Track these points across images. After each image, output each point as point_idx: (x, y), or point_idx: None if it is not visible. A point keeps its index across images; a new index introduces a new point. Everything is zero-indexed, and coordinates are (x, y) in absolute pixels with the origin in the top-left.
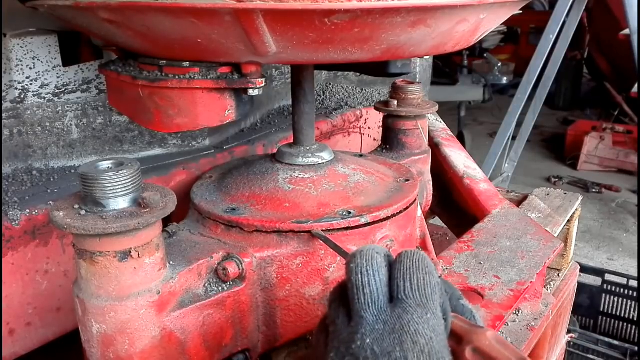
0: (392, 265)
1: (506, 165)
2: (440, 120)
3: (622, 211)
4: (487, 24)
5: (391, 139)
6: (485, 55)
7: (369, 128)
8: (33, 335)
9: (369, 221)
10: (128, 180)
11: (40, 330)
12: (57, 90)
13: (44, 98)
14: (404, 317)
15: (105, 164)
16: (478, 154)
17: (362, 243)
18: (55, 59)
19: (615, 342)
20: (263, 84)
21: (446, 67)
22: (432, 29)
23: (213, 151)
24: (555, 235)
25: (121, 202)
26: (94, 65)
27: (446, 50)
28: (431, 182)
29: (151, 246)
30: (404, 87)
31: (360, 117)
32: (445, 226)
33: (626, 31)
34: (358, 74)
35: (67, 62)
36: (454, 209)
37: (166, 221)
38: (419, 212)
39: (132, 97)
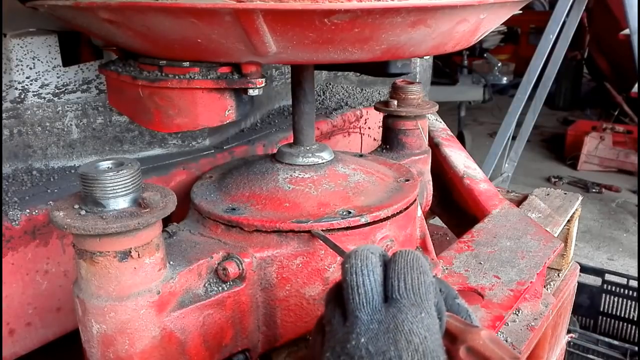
0: (387, 265)
1: (506, 165)
2: (440, 120)
3: (622, 211)
4: (487, 24)
5: (391, 139)
6: (485, 55)
7: (369, 128)
8: (33, 335)
9: (369, 221)
10: (128, 180)
11: (40, 330)
12: (57, 90)
13: (44, 98)
14: (398, 316)
15: (105, 164)
16: (478, 154)
17: (362, 243)
18: (55, 59)
19: (615, 342)
20: (263, 84)
21: (446, 67)
22: (432, 29)
23: (213, 151)
24: (555, 235)
25: (121, 202)
26: (94, 65)
27: (446, 50)
28: (431, 182)
29: (151, 246)
30: (404, 87)
31: (360, 117)
32: (445, 226)
33: (626, 31)
34: (358, 74)
35: (67, 62)
36: (454, 209)
37: (166, 221)
38: (419, 212)
39: (132, 97)
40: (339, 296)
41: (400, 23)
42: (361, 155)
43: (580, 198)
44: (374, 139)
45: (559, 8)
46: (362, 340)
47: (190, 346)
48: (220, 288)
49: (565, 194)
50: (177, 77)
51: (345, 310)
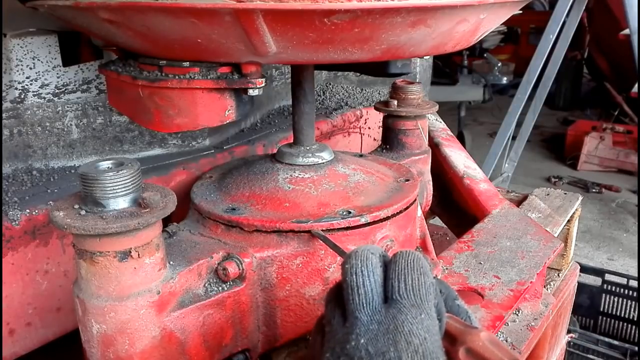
0: (387, 266)
1: (506, 165)
2: (440, 120)
3: (622, 211)
4: (487, 24)
5: (391, 139)
6: (485, 55)
7: (369, 128)
8: (33, 335)
9: (369, 221)
10: (128, 180)
11: (40, 330)
12: (57, 90)
13: (44, 98)
14: (398, 317)
15: (105, 164)
16: (478, 154)
17: (362, 243)
18: (55, 59)
19: (615, 342)
20: (263, 84)
21: (446, 67)
22: (432, 29)
23: (213, 151)
24: (555, 235)
25: (121, 202)
26: (94, 65)
27: (446, 50)
28: (431, 182)
29: (151, 246)
30: (404, 87)
31: (360, 117)
32: (445, 226)
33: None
34: (358, 74)
35: (67, 62)
36: (454, 209)
37: (166, 221)
38: (419, 212)
39: (132, 97)
40: (339, 297)
41: (400, 23)
42: (361, 155)
43: (580, 198)
44: (374, 139)
45: (559, 8)
46: (362, 340)
47: (190, 346)
48: (220, 288)
49: (565, 194)
50: (177, 77)
51: (345, 311)
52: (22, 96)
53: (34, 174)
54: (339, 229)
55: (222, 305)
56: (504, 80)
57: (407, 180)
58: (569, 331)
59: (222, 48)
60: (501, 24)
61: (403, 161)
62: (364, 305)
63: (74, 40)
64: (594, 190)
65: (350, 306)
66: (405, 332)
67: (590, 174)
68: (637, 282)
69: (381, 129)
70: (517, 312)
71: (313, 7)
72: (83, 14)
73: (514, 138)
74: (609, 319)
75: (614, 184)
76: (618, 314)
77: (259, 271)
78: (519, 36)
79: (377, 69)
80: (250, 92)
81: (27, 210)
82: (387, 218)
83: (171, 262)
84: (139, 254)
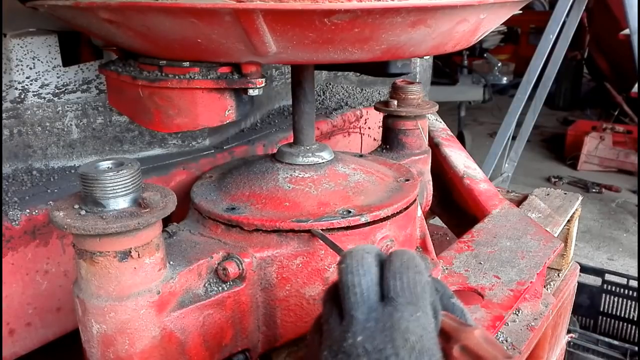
0: (383, 265)
1: (506, 165)
2: (440, 120)
3: (622, 211)
4: (487, 24)
5: (391, 139)
6: (485, 55)
7: (369, 128)
8: (33, 335)
9: (368, 220)
10: (128, 180)
11: (40, 330)
12: (57, 90)
13: (44, 98)
14: (395, 315)
15: (105, 164)
16: (478, 154)
17: (362, 243)
18: (55, 59)
19: (615, 342)
20: (263, 84)
21: (446, 67)
22: (432, 29)
23: (213, 151)
24: (555, 235)
25: (121, 202)
26: (94, 65)
27: (446, 50)
28: (431, 182)
29: (151, 246)
30: (404, 87)
31: (360, 117)
32: (445, 226)
33: (626, 31)
34: (358, 74)
35: (67, 62)
36: (454, 209)
37: (166, 221)
38: (419, 212)
39: (132, 97)
40: (336, 296)
41: (400, 23)
42: (361, 155)
43: (580, 198)
44: (374, 139)
45: (559, 8)
46: (359, 338)
47: (190, 346)
48: (220, 288)
49: (565, 194)
50: (177, 77)
51: (342, 310)
52: (22, 96)
53: (34, 174)
54: (339, 229)
55: (222, 305)
56: (504, 80)
57: (407, 180)
58: (569, 331)
59: (222, 48)
60: (501, 24)
61: (403, 161)
62: (360, 303)
63: (74, 40)
64: (594, 190)
65: (346, 305)
66: (402, 329)
67: (590, 174)
68: (637, 282)
69: (381, 129)
70: (517, 312)
71: (313, 7)
72: (83, 14)
73: (514, 138)
74: (609, 319)
75: (614, 184)
76: (618, 314)
77: (259, 271)
78: (519, 36)
79: (377, 69)
80: (250, 92)
81: (27, 210)
82: (387, 218)
83: (171, 262)
84: (139, 254)
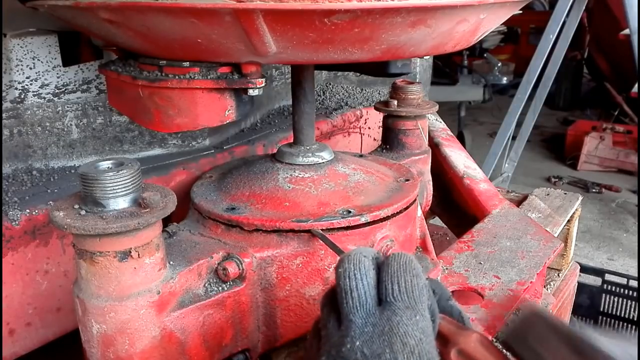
0: (380, 268)
1: (506, 165)
2: (440, 120)
3: (622, 211)
4: (487, 24)
5: (391, 139)
6: (485, 55)
7: (369, 128)
8: (33, 335)
9: (368, 220)
10: (128, 180)
11: (40, 330)
12: (57, 90)
13: (44, 98)
14: (393, 319)
15: (105, 164)
16: (478, 154)
17: (362, 243)
18: (55, 59)
19: None
20: (263, 84)
21: (446, 67)
22: (432, 29)
23: (213, 151)
24: (555, 235)
25: (121, 202)
26: (94, 65)
27: (446, 50)
28: (431, 182)
29: (151, 246)
30: (404, 87)
31: (360, 117)
32: (445, 226)
33: (626, 31)
34: (358, 74)
35: (67, 62)
36: (454, 209)
37: (166, 221)
38: (419, 212)
39: (132, 97)
40: (334, 301)
41: (400, 23)
42: (361, 155)
43: (580, 198)
44: (374, 139)
45: (559, 8)
46: (357, 343)
47: (190, 346)
48: (220, 288)
49: (565, 194)
50: (177, 77)
51: (340, 315)
52: (22, 96)
53: (34, 174)
54: (339, 229)
55: (222, 305)
56: (504, 80)
57: (407, 180)
58: None
59: (222, 48)
60: (501, 24)
61: (403, 161)
62: (358, 308)
63: (74, 40)
64: (594, 190)
65: (344, 310)
66: (401, 333)
67: (590, 174)
68: (637, 282)
69: (381, 129)
70: (517, 312)
71: (313, 7)
72: (83, 14)
73: (514, 138)
74: (609, 319)
75: (614, 184)
76: (618, 314)
77: (259, 271)
78: (519, 36)
79: (377, 69)
80: (250, 92)
81: (27, 210)
82: (387, 218)
83: (171, 262)
84: (139, 254)
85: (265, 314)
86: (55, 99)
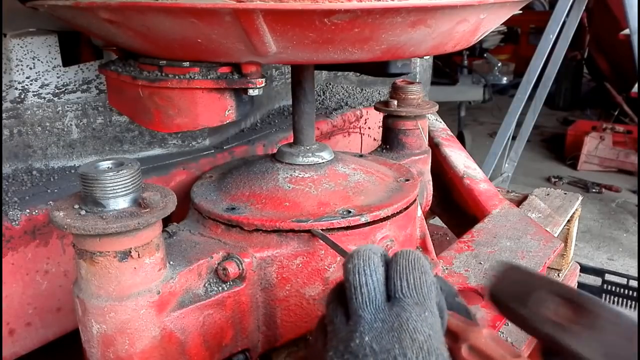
0: (389, 265)
1: (506, 165)
2: (440, 120)
3: (622, 211)
4: (487, 24)
5: (391, 139)
6: (485, 55)
7: (369, 128)
8: (33, 335)
9: (369, 220)
10: (128, 180)
11: (40, 330)
12: (57, 90)
13: (44, 98)
14: (402, 315)
15: (105, 164)
16: (478, 154)
17: (362, 243)
18: (55, 59)
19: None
20: (263, 84)
21: (446, 67)
22: (432, 29)
23: (213, 151)
24: (555, 235)
25: (121, 202)
26: (94, 65)
27: (446, 50)
28: (431, 182)
29: (151, 246)
30: (404, 87)
31: (360, 117)
32: (445, 226)
33: (626, 31)
34: (358, 74)
35: (67, 62)
36: (454, 209)
37: (166, 221)
38: (419, 212)
39: (132, 97)
40: (341, 296)
41: (400, 23)
42: (361, 155)
43: (580, 198)
44: (374, 139)
45: (559, 8)
46: (366, 339)
47: (190, 346)
48: (220, 288)
49: (565, 194)
50: (177, 77)
51: (348, 310)
52: (22, 96)
53: (34, 174)
54: (339, 229)
55: (222, 305)
56: (504, 80)
57: (407, 180)
58: None
59: (222, 48)
60: (501, 24)
61: (403, 161)
62: (367, 303)
63: (74, 40)
64: (594, 190)
65: (353, 305)
66: (410, 329)
67: (590, 174)
68: (637, 282)
69: (381, 129)
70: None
71: (313, 7)
72: (83, 14)
73: (514, 138)
74: None
75: (614, 184)
76: None
77: (259, 271)
78: (519, 36)
79: (377, 69)
80: (250, 92)
81: (27, 210)
82: (387, 218)
83: (171, 262)
84: (139, 254)
85: (265, 314)
86: (55, 99)
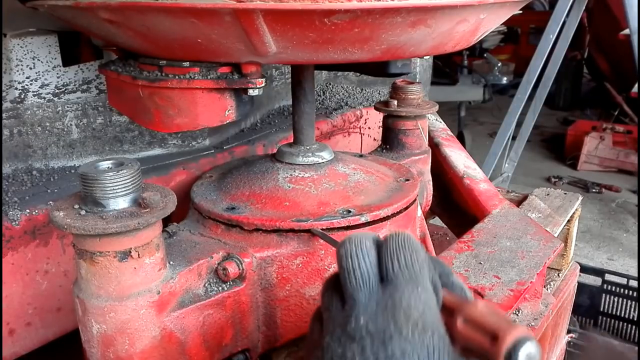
0: (380, 248)
1: (506, 165)
2: (440, 120)
3: (622, 211)
4: (487, 24)
5: (391, 139)
6: (485, 55)
7: (369, 128)
8: (33, 335)
9: (369, 220)
10: (128, 180)
11: (40, 330)
12: (57, 90)
13: (44, 98)
14: (395, 294)
15: (105, 164)
16: (478, 154)
17: None
18: (55, 59)
19: (616, 342)
20: (263, 84)
21: (446, 67)
22: (432, 29)
23: (213, 151)
24: (555, 235)
25: (121, 202)
26: (94, 65)
27: (446, 50)
28: (431, 182)
29: (151, 246)
30: (404, 87)
31: (360, 117)
32: (445, 226)
33: (626, 31)
34: (358, 74)
35: (67, 62)
36: (454, 209)
37: (166, 221)
38: (419, 212)
39: (132, 97)
40: (336, 283)
41: (400, 23)
42: (361, 155)
43: (580, 198)
44: (374, 139)
45: (559, 8)
46: (362, 320)
47: (190, 346)
48: (220, 288)
49: (565, 194)
50: (177, 77)
51: (344, 295)
52: (22, 96)
53: (34, 174)
54: (338, 228)
55: (222, 305)
56: (504, 80)
57: (407, 180)
58: (569, 331)
59: (222, 48)
60: (501, 24)
61: (403, 161)
62: (361, 286)
63: (74, 40)
64: (594, 190)
65: (348, 289)
66: (404, 306)
67: (590, 174)
68: (637, 282)
69: (381, 129)
70: (517, 312)
71: (313, 7)
72: (83, 14)
73: (514, 138)
74: (609, 319)
75: (614, 184)
76: (618, 314)
77: (259, 271)
78: (519, 36)
79: (377, 69)
80: (250, 92)
81: (27, 210)
82: (387, 217)
83: (171, 262)
84: (139, 254)
85: (265, 314)
86: (55, 99)
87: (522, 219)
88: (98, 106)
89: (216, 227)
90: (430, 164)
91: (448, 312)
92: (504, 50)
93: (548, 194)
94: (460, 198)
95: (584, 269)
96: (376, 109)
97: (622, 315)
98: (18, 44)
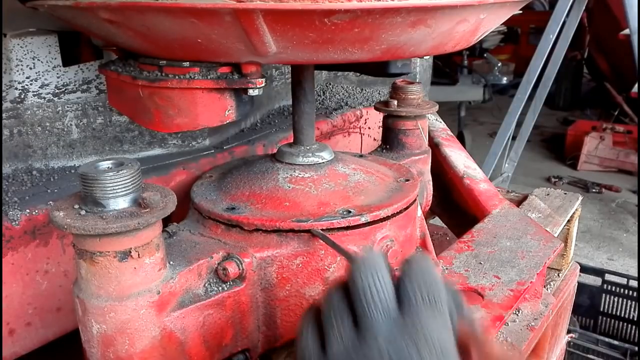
0: (399, 270)
1: (506, 165)
2: (440, 120)
3: (622, 211)
4: (487, 24)
5: (391, 139)
6: (485, 55)
7: (369, 128)
8: (33, 335)
9: (369, 220)
10: (128, 180)
11: (40, 330)
12: (57, 90)
13: (44, 98)
14: (416, 319)
15: (105, 164)
16: (478, 154)
17: (362, 243)
18: (55, 59)
19: (615, 342)
20: (263, 84)
21: (446, 67)
22: (432, 29)
23: (213, 151)
24: (555, 235)
25: (121, 202)
26: (94, 65)
27: (446, 50)
28: (431, 182)
29: (151, 246)
30: (404, 87)
31: (360, 117)
32: (445, 226)
33: (626, 31)
34: (358, 74)
35: (67, 62)
36: (454, 209)
37: (166, 221)
38: (419, 212)
39: (132, 97)
40: (344, 298)
41: (400, 23)
42: (361, 155)
43: (580, 198)
44: (374, 139)
45: (559, 8)
46: (380, 341)
47: (190, 346)
48: (220, 288)
49: (565, 194)
50: (177, 77)
51: (356, 316)
52: (22, 96)
53: (34, 174)
54: (339, 229)
55: (222, 305)
56: (504, 80)
57: (407, 180)
58: (569, 331)
59: (222, 48)
60: (501, 24)
61: (403, 161)
62: (379, 307)
63: (74, 40)
64: (594, 190)
65: (363, 310)
66: (424, 332)
67: (590, 174)
68: (637, 282)
69: (381, 129)
70: (517, 312)
71: (313, 7)
72: (83, 14)
73: (514, 138)
74: (609, 319)
75: (614, 184)
76: (618, 314)
77: (259, 271)
78: (519, 36)
79: (377, 69)
80: (250, 92)
81: (27, 210)
82: (387, 218)
83: (171, 262)
84: (139, 254)
85: (265, 314)
86: (55, 99)
87: (522, 219)
88: (98, 106)
89: (216, 227)
90: (430, 164)
91: (462, 343)
92: (504, 50)
93: (548, 194)
94: (460, 198)
95: (584, 269)
96: (376, 109)
97: (622, 315)
98: (18, 44)
